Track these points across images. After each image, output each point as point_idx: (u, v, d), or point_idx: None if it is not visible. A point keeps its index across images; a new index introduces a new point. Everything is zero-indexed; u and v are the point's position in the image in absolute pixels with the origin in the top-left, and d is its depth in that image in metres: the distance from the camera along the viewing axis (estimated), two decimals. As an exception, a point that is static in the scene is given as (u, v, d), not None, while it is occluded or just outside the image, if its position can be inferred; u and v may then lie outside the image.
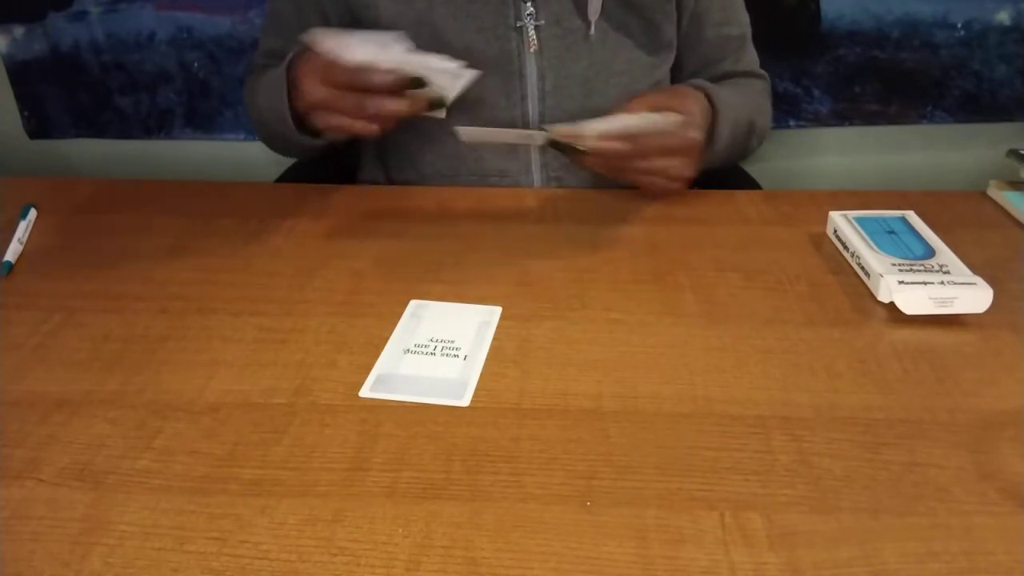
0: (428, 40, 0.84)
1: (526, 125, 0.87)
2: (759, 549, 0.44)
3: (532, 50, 0.84)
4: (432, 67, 0.69)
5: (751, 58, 0.96)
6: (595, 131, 0.70)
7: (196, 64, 1.26)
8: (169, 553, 0.44)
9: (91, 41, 1.24)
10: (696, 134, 0.75)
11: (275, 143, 0.91)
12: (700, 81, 0.85)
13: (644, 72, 0.88)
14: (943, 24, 1.20)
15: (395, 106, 0.68)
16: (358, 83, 0.68)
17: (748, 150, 0.92)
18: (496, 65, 0.84)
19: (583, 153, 0.70)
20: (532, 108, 0.86)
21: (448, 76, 0.70)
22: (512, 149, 0.86)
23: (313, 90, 0.71)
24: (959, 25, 1.20)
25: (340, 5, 0.87)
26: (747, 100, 0.89)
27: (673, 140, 0.74)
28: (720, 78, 0.94)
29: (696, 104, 0.78)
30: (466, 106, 0.85)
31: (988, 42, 1.21)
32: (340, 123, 0.71)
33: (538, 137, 0.72)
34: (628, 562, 0.43)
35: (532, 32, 0.84)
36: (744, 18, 0.94)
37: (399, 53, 0.68)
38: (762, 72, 0.97)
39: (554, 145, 0.71)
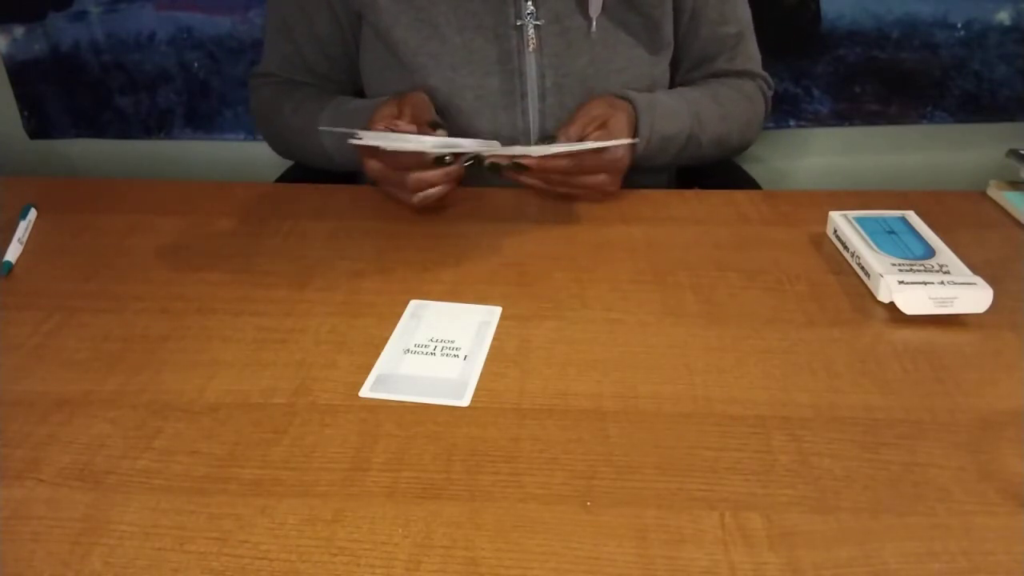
0: (428, 39, 0.84)
1: (526, 123, 0.87)
2: (759, 549, 0.44)
3: (531, 49, 0.84)
4: (455, 144, 0.75)
5: (748, 56, 0.95)
6: (539, 152, 0.74)
7: (196, 64, 1.26)
8: (169, 553, 0.44)
9: (91, 41, 1.24)
10: (622, 154, 0.80)
11: (310, 161, 0.95)
12: (632, 93, 0.84)
13: (643, 69, 0.88)
14: (943, 24, 1.20)
15: (429, 175, 0.75)
16: (393, 162, 0.75)
17: (698, 157, 0.90)
18: (496, 64, 0.84)
19: (523, 169, 0.75)
20: (532, 107, 0.86)
21: (475, 146, 0.76)
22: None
23: (369, 164, 0.77)
24: (959, 25, 1.20)
25: (345, 4, 0.87)
26: (701, 112, 0.87)
27: (603, 160, 0.79)
28: (712, 76, 0.93)
29: (621, 122, 0.80)
30: (466, 106, 0.85)
31: (988, 42, 1.21)
32: (391, 193, 0.79)
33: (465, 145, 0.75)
34: (628, 562, 0.43)
35: (531, 31, 0.84)
36: (743, 15, 0.93)
37: (430, 139, 0.74)
38: (759, 72, 0.96)
39: (491, 167, 0.75)
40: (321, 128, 0.84)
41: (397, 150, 0.72)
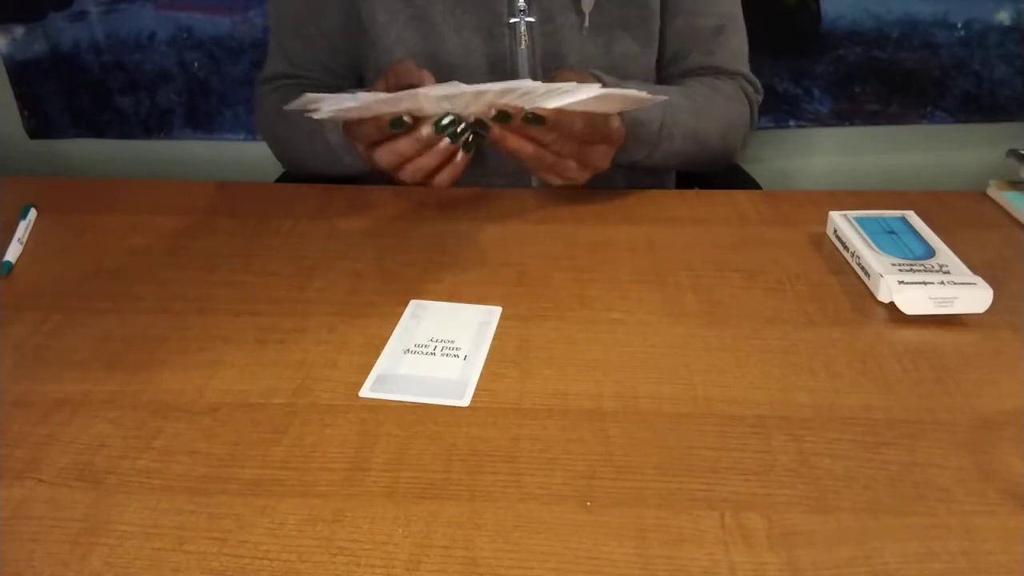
0: (425, 38, 0.84)
1: None
2: (759, 549, 0.44)
3: (523, 47, 0.84)
4: (419, 95, 0.62)
5: (730, 53, 0.90)
6: (556, 105, 0.63)
7: (196, 64, 1.26)
8: (169, 553, 0.44)
9: (91, 41, 1.24)
10: (619, 125, 0.73)
11: (319, 167, 0.89)
12: (599, 73, 0.77)
13: (635, 66, 0.87)
14: (943, 24, 1.20)
15: (399, 146, 0.67)
16: (363, 139, 0.69)
17: (677, 154, 0.84)
18: (491, 63, 0.84)
19: (539, 121, 0.64)
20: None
21: (440, 98, 0.62)
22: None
23: (352, 139, 0.72)
24: (959, 25, 1.20)
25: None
26: (672, 103, 0.81)
27: (609, 128, 0.72)
28: (687, 73, 0.90)
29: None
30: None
31: (988, 42, 1.21)
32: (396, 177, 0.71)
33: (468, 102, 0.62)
34: (628, 562, 0.43)
35: (523, 28, 0.83)
36: (726, 10, 0.89)
37: (370, 96, 0.63)
38: (742, 71, 0.91)
39: (496, 116, 0.63)
40: (285, 108, 0.70)
41: (348, 118, 0.64)
